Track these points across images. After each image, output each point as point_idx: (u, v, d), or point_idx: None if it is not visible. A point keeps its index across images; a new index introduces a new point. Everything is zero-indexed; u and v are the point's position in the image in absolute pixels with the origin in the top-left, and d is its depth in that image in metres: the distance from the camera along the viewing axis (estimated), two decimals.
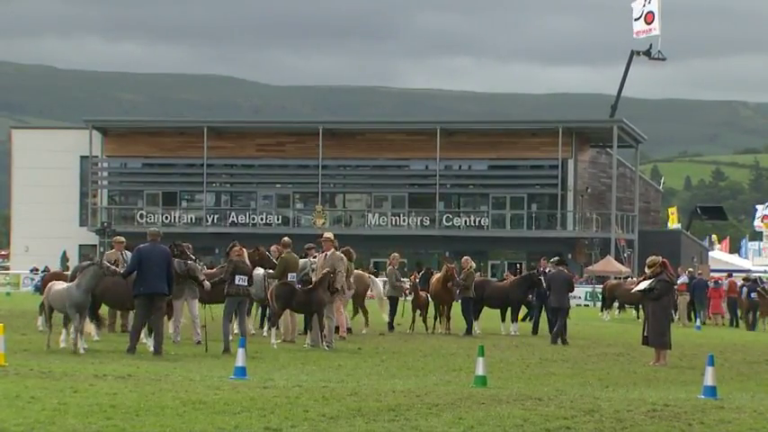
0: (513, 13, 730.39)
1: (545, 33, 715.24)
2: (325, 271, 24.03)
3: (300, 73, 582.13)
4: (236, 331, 23.87)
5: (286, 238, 25.48)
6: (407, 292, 31.92)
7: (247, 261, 22.71)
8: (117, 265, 21.45)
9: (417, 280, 32.63)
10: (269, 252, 26.44)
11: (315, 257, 25.72)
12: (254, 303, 27.86)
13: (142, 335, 21.54)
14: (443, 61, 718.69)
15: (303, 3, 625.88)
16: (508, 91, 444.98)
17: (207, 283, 22.70)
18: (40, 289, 34.79)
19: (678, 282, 44.04)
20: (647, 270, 22.71)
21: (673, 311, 22.49)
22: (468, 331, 30.11)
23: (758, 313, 42.05)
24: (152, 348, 20.64)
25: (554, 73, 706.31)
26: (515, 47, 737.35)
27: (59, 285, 21.45)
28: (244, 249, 22.74)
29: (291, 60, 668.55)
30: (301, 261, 25.55)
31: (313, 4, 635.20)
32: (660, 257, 22.87)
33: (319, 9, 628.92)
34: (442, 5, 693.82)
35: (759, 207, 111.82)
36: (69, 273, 26.53)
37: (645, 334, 22.15)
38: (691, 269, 49.81)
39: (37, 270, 68.61)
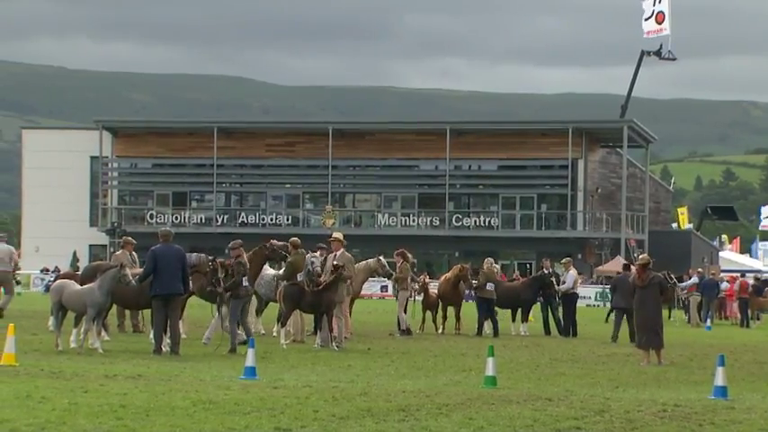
0: (511, 13, 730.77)
1: (541, 34, 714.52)
2: (335, 264, 24.03)
3: (309, 73, 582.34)
4: (254, 330, 24.00)
5: (295, 239, 25.50)
6: (417, 291, 31.94)
7: (246, 261, 22.85)
8: (123, 267, 21.46)
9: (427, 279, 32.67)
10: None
11: (321, 256, 25.73)
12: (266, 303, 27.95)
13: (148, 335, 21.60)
14: (446, 62, 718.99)
15: (297, 3, 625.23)
16: (512, 91, 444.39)
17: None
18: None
19: (688, 283, 43.97)
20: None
21: (656, 310, 22.32)
22: (479, 332, 30.12)
23: None
24: (168, 348, 20.68)
25: (552, 73, 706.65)
26: (514, 47, 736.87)
27: (75, 286, 21.50)
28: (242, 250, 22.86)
29: (296, 61, 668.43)
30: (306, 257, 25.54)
31: (308, 4, 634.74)
32: (646, 256, 23.00)
33: (315, 9, 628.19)
34: (440, 7, 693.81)
35: (764, 208, 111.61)
36: (80, 273, 26.57)
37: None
38: (700, 269, 49.71)
39: (48, 270, 68.75)
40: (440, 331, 30.67)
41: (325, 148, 75.05)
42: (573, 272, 31.73)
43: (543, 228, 73.87)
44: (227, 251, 23.05)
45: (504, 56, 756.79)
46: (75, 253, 70.36)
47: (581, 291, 36.56)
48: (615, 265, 67.74)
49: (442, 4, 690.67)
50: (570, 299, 31.56)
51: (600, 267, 70.46)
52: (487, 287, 30.37)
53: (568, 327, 31.21)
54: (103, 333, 23.78)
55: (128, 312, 26.74)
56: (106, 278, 20.67)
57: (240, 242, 22.85)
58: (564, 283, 31.65)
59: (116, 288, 20.96)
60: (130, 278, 20.93)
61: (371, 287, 57.46)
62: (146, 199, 78.94)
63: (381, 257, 29.16)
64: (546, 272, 32.26)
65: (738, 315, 44.43)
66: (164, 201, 78.01)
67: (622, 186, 75.56)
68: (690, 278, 45.37)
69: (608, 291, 56.26)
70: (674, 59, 79.50)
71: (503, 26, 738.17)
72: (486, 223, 74.09)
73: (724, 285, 46.21)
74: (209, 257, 22.94)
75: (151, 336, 21.77)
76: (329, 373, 18.15)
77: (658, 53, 78.75)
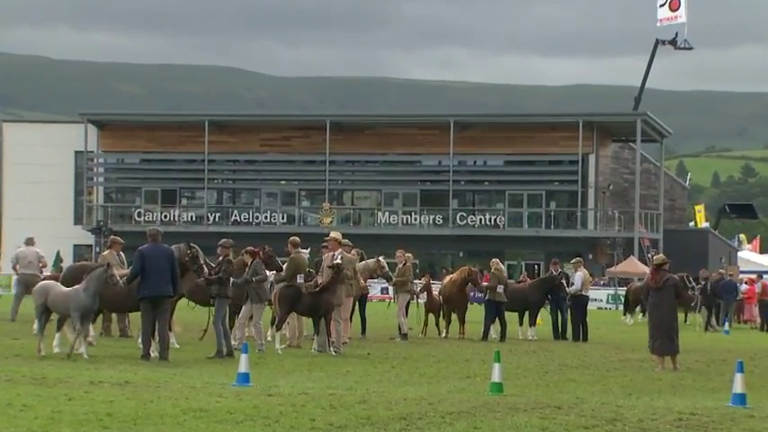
0: (513, 1, 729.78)
1: (546, 22, 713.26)
2: (335, 262, 24.07)
3: (305, 64, 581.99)
4: (247, 334, 24.04)
5: (295, 238, 25.49)
6: (419, 292, 31.90)
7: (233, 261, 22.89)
8: (110, 267, 21.44)
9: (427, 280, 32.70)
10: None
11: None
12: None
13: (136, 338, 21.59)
14: (445, 52, 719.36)
15: None
16: (515, 82, 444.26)
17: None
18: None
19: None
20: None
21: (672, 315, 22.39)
22: (485, 336, 30.10)
23: None
24: (156, 353, 20.69)
25: (559, 64, 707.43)
26: (517, 36, 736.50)
27: (61, 287, 21.48)
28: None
29: (292, 50, 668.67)
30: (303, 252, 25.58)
31: None
32: (662, 256, 23.03)
33: None
34: None
35: None
36: (62, 275, 26.51)
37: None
38: (722, 270, 49.55)
39: None
40: (443, 335, 30.69)
41: (322, 143, 75.05)
42: (581, 272, 31.70)
43: (552, 226, 73.90)
44: (218, 250, 23.02)
45: (507, 45, 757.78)
46: (58, 253, 70.15)
47: (592, 293, 36.52)
48: (628, 265, 67.84)
49: None
50: (579, 301, 31.55)
51: (612, 268, 70.45)
52: (498, 289, 30.38)
53: (578, 331, 31.22)
54: (90, 337, 23.78)
55: (114, 315, 26.73)
56: (92, 279, 20.65)
57: (231, 242, 22.82)
58: (573, 284, 31.65)
59: (103, 290, 20.93)
60: (118, 278, 20.95)
61: (371, 289, 57.34)
62: (133, 196, 78.99)
63: (381, 258, 29.19)
64: (556, 273, 32.22)
65: (758, 319, 44.40)
66: (152, 198, 78.03)
67: (636, 183, 75.58)
68: (702, 279, 45.14)
69: (621, 293, 56.56)
70: (691, 49, 79.54)
71: (504, 14, 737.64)
72: (492, 222, 74.12)
73: (743, 287, 46.15)
74: (190, 244, 22.75)
75: (139, 341, 21.76)
76: (326, 379, 18.16)
77: (674, 42, 78.78)
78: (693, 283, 43.12)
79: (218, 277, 21.98)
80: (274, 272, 25.07)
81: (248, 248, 24.07)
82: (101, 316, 25.74)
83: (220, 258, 22.46)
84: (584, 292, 31.65)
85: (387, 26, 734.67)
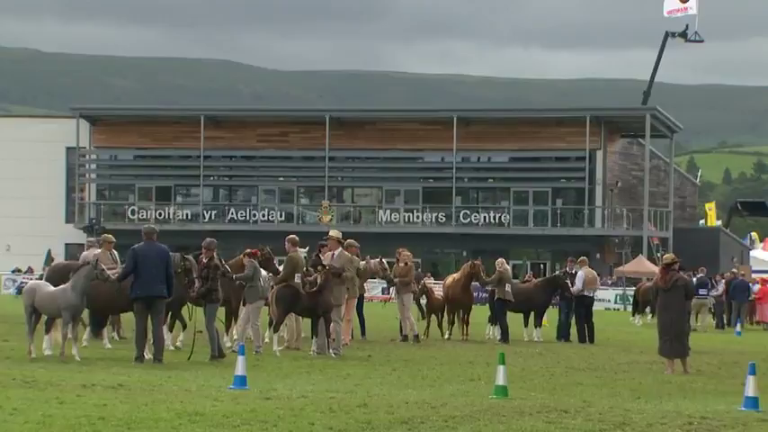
0: None
1: (551, 13, 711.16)
2: (321, 264, 24.09)
3: (303, 57, 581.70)
4: (235, 337, 24.03)
5: (294, 236, 25.49)
6: (416, 294, 31.89)
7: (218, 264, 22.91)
8: (99, 262, 21.40)
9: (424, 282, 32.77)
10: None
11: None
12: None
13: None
14: (445, 44, 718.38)
15: None
16: (519, 76, 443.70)
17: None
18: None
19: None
20: None
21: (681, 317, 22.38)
22: (505, 338, 29.91)
23: None
24: (150, 355, 20.71)
25: (565, 57, 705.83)
26: (520, 28, 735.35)
27: (48, 287, 21.48)
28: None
29: (289, 43, 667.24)
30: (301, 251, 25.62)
31: None
32: (672, 256, 23.11)
33: None
34: None
35: None
36: (45, 275, 26.44)
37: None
38: (732, 270, 49.59)
39: (20, 270, 68.82)
40: (446, 337, 30.69)
41: (321, 138, 75.08)
42: (583, 271, 31.59)
43: (558, 225, 73.93)
44: (202, 252, 22.98)
45: (510, 38, 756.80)
46: (49, 252, 70.34)
47: (599, 293, 36.44)
48: (637, 265, 67.85)
49: None
50: (582, 302, 31.46)
51: (620, 268, 70.47)
52: (506, 288, 30.33)
53: (583, 332, 31.17)
54: (83, 338, 23.80)
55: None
56: (79, 277, 20.59)
57: (215, 242, 22.71)
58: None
59: (90, 290, 20.89)
60: (108, 273, 20.93)
61: (372, 289, 57.51)
62: (127, 193, 79.01)
63: (383, 259, 29.21)
64: (568, 271, 32.13)
65: None
66: (146, 195, 78.10)
67: (645, 180, 75.61)
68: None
69: (629, 293, 56.63)
70: (701, 41, 79.60)
71: (507, 5, 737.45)
72: (497, 220, 74.15)
73: (755, 287, 46.18)
74: (184, 256, 22.71)
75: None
76: (326, 382, 18.18)
77: (684, 35, 78.87)
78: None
79: (207, 288, 21.93)
80: (270, 274, 25.08)
81: (247, 250, 24.03)
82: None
83: (205, 261, 22.33)
84: (586, 293, 31.51)
85: (385, 18, 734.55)
